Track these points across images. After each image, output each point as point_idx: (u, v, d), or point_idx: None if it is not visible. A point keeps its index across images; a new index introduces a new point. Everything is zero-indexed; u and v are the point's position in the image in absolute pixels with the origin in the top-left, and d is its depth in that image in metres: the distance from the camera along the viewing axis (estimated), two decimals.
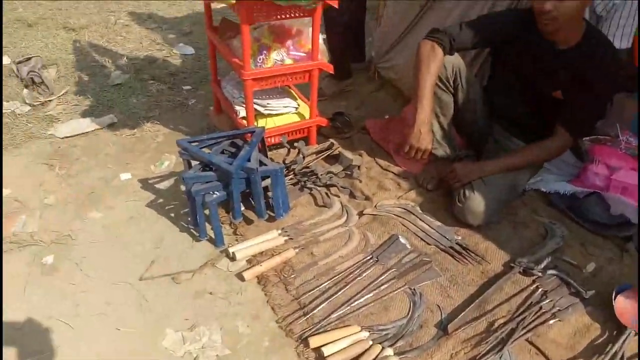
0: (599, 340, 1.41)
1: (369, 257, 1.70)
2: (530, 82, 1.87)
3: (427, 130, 1.86)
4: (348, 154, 2.23)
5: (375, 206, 1.95)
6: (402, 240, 1.77)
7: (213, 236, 1.77)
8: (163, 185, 2.12)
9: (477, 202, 1.77)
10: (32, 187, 2.06)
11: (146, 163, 2.26)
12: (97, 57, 3.21)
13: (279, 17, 1.92)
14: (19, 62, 2.84)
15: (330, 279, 1.61)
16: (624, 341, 1.36)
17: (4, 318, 1.46)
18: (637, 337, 1.40)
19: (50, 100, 2.70)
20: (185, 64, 3.25)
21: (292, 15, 1.94)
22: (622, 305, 1.46)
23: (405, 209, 1.94)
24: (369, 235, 1.80)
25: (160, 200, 2.02)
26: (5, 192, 2.01)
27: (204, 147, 1.88)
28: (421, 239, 1.79)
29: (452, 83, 1.96)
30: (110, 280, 1.62)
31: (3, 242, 1.76)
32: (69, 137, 2.42)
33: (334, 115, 2.53)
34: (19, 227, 1.83)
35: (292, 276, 1.62)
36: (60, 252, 1.73)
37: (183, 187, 2.08)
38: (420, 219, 1.88)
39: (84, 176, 2.15)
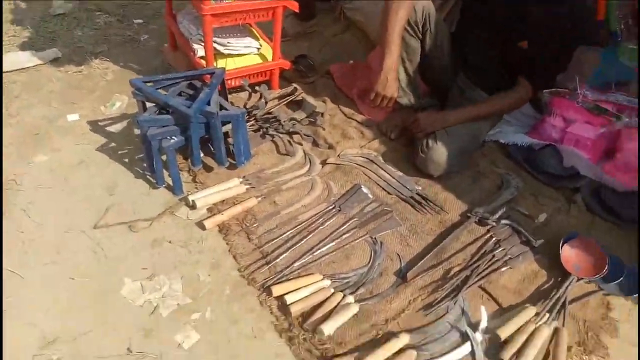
0: (544, 286, 1.50)
1: (331, 207, 1.70)
2: (498, 29, 1.84)
3: (394, 77, 1.83)
4: (311, 100, 2.16)
5: (338, 155, 1.93)
6: (365, 190, 1.77)
7: (171, 183, 1.71)
8: (114, 127, 2.00)
9: (439, 153, 1.79)
10: None
11: (95, 103, 2.12)
12: None
13: None
14: None
15: (293, 228, 1.61)
16: (567, 287, 1.46)
17: None
18: (579, 283, 1.50)
19: None
20: None
21: None
22: (568, 253, 1.54)
23: (367, 158, 1.93)
24: (332, 185, 1.80)
25: (112, 144, 1.91)
26: None
27: (160, 87, 1.76)
28: (383, 188, 1.80)
29: (420, 28, 1.91)
30: (61, 228, 1.55)
31: None
32: (7, 72, 2.21)
33: (297, 58, 2.43)
34: None
35: (254, 225, 1.60)
36: (4, 198, 1.62)
37: (137, 131, 1.97)
38: (382, 169, 1.88)
39: (26, 115, 1.99)
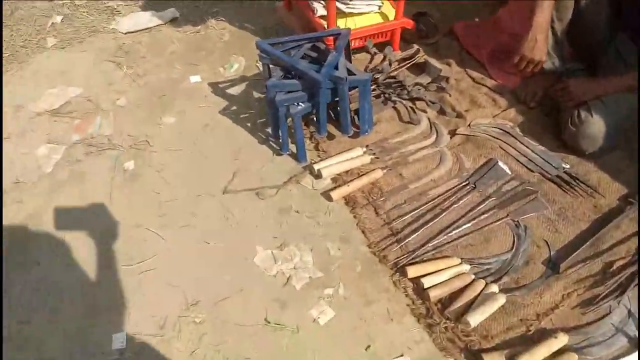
0: None
1: (464, 183, 1.56)
2: None
3: (544, 38, 1.61)
4: (435, 62, 1.98)
5: (468, 125, 1.76)
6: (502, 165, 1.60)
7: (295, 151, 1.66)
8: (234, 90, 1.98)
9: (595, 127, 1.56)
10: (102, 86, 1.97)
11: (214, 65, 2.11)
12: None
13: None
14: None
15: (424, 204, 1.50)
16: None
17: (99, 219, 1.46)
18: None
19: None
20: None
21: None
22: None
23: (503, 129, 1.74)
24: (463, 158, 1.65)
25: (233, 107, 1.90)
26: (76, 91, 1.94)
27: (282, 50, 1.69)
28: (523, 164, 1.62)
29: None
30: (193, 191, 1.57)
31: (81, 143, 1.72)
32: (132, 32, 2.27)
33: (416, 16, 2.23)
34: (96, 129, 1.78)
35: (382, 199, 1.51)
36: (140, 158, 1.67)
37: (256, 94, 1.95)
38: (520, 142, 1.69)
39: (152, 76, 2.04)
